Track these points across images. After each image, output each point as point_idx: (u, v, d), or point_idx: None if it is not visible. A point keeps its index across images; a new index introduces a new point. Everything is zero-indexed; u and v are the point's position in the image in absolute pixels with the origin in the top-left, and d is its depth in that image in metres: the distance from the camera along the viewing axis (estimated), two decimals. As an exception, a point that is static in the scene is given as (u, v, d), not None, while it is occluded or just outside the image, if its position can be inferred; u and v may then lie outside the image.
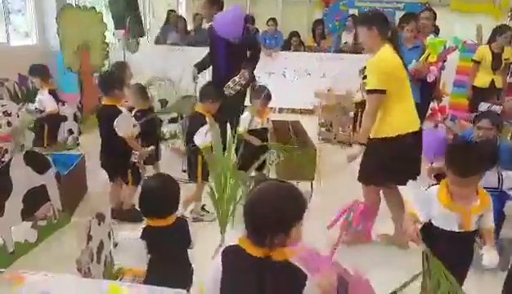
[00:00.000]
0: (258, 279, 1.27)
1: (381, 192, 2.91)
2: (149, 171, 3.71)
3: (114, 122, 2.85)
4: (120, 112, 2.92)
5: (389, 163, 2.65)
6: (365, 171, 2.81)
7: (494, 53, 5.06)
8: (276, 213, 1.26)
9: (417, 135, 2.69)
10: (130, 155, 3.05)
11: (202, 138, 2.89)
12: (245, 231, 1.32)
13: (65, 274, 1.35)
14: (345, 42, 7.18)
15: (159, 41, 7.21)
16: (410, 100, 2.69)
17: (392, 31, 2.70)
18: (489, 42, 5.17)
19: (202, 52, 4.33)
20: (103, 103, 3.11)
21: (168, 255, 1.86)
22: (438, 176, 2.98)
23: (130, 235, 1.95)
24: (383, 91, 2.58)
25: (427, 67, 3.75)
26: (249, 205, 1.32)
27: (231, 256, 1.34)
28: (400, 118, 2.64)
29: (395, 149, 2.64)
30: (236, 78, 3.70)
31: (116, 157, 3.05)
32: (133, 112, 3.53)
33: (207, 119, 2.93)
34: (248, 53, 3.90)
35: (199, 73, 4.16)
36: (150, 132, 3.57)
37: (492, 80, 5.14)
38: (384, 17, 2.69)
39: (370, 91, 2.64)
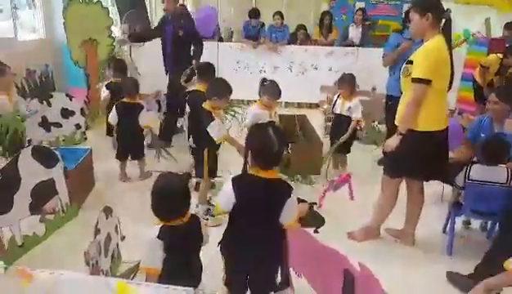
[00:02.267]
0: (262, 191, 1.81)
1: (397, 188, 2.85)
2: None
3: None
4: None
5: (419, 157, 2.59)
6: (394, 163, 2.74)
7: (503, 65, 5.01)
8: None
9: (445, 133, 2.65)
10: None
11: (216, 132, 2.92)
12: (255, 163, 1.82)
13: (72, 272, 1.35)
14: (352, 41, 7.10)
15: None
16: (446, 98, 2.65)
17: (446, 21, 2.56)
18: (504, 56, 5.04)
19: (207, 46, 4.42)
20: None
21: (184, 253, 1.83)
22: (454, 165, 2.95)
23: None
24: (428, 81, 2.45)
25: None
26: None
27: (242, 179, 1.85)
28: (437, 114, 2.58)
29: (426, 144, 2.57)
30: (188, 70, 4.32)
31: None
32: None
33: (214, 116, 2.94)
34: (192, 46, 4.53)
35: (131, 41, 5.08)
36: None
37: (492, 79, 5.15)
38: (439, 4, 2.52)
39: (415, 80, 2.48)
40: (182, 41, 4.48)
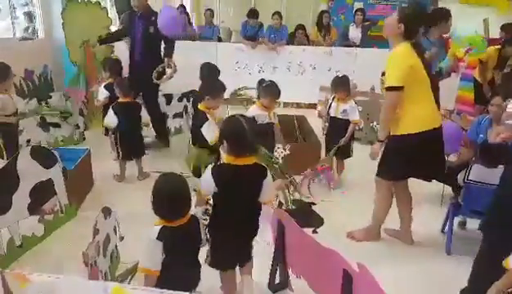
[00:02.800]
0: (239, 177, 1.95)
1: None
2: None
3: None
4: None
5: (410, 159, 2.63)
6: (385, 166, 2.79)
7: (501, 56, 5.03)
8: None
9: (437, 132, 2.66)
10: None
11: (210, 134, 2.91)
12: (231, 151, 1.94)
13: (69, 276, 1.34)
14: (353, 42, 7.11)
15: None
16: (428, 98, 2.65)
17: (417, 40, 2.69)
18: (502, 46, 5.07)
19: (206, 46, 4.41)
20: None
21: (183, 254, 1.82)
22: (452, 169, 2.97)
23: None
24: (400, 88, 2.53)
25: (456, 63, 3.74)
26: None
27: (219, 168, 2.00)
28: (419, 116, 2.61)
29: (416, 145, 2.61)
30: (168, 70, 4.45)
31: None
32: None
33: (208, 116, 2.94)
34: (163, 44, 4.47)
35: (100, 44, 4.92)
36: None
37: (493, 76, 5.16)
38: (416, 23, 2.63)
39: (387, 88, 2.58)
40: (153, 38, 4.41)
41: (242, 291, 2.13)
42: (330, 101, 3.91)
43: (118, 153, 3.81)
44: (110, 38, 5.00)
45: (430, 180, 2.85)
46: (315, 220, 3.20)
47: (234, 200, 1.96)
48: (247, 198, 2.00)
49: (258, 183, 1.99)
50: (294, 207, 3.22)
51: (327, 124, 4.00)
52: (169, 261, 1.75)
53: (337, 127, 3.81)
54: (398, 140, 2.66)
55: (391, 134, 2.70)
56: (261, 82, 3.53)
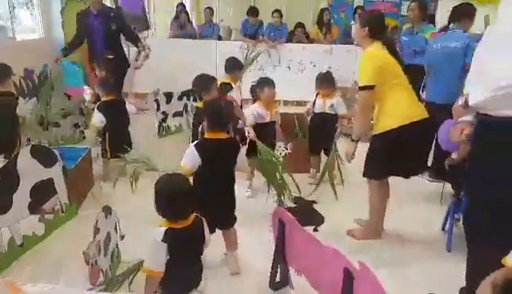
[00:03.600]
0: (220, 148, 2.31)
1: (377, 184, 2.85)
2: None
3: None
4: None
5: (392, 156, 2.65)
6: (369, 166, 2.81)
7: None
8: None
9: (418, 125, 2.64)
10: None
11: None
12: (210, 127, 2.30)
13: (65, 287, 1.30)
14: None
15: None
16: (405, 93, 2.68)
17: (387, 38, 2.83)
18: None
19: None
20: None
21: (187, 256, 1.83)
22: (453, 167, 2.95)
23: None
24: (371, 87, 2.61)
25: None
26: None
27: (203, 142, 2.33)
28: (396, 111, 2.64)
29: (395, 141, 2.63)
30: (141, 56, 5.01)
31: None
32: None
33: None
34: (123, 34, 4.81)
35: (66, 56, 4.92)
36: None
37: None
38: (378, 22, 2.77)
39: (359, 88, 2.68)
40: (114, 34, 4.61)
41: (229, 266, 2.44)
42: (313, 99, 3.88)
43: (106, 151, 3.74)
44: (71, 47, 4.91)
45: (409, 177, 2.81)
46: (316, 219, 3.21)
47: (216, 170, 2.27)
48: (226, 168, 2.35)
49: (234, 154, 2.36)
50: (295, 204, 3.23)
51: (309, 123, 3.97)
52: (172, 262, 1.75)
53: (324, 123, 3.80)
54: (379, 138, 2.71)
55: (372, 134, 2.75)
56: (252, 86, 3.58)
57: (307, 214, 3.24)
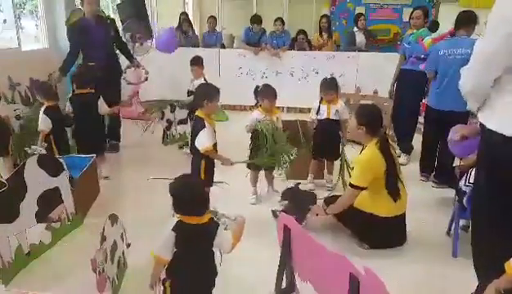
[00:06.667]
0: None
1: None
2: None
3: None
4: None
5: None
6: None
7: None
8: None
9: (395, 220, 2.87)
10: None
11: (202, 142, 2.91)
12: None
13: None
14: (359, 47, 7.05)
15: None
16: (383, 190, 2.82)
17: (382, 133, 2.90)
18: None
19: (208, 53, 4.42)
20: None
21: (195, 252, 1.88)
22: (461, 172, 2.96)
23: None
24: (362, 188, 2.79)
25: None
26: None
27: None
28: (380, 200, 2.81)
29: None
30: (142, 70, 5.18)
31: None
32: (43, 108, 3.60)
33: (205, 122, 2.95)
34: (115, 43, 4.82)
35: (65, 75, 4.57)
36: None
37: None
38: (375, 119, 2.87)
39: (351, 185, 2.83)
40: (111, 40, 4.67)
41: None
42: (317, 105, 3.86)
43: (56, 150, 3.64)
44: (69, 63, 4.52)
45: None
46: (307, 200, 3.18)
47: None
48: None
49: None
50: (285, 202, 3.22)
51: (314, 129, 3.96)
52: (180, 255, 1.84)
53: (330, 129, 3.81)
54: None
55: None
56: (256, 88, 3.57)
57: (298, 202, 3.19)
